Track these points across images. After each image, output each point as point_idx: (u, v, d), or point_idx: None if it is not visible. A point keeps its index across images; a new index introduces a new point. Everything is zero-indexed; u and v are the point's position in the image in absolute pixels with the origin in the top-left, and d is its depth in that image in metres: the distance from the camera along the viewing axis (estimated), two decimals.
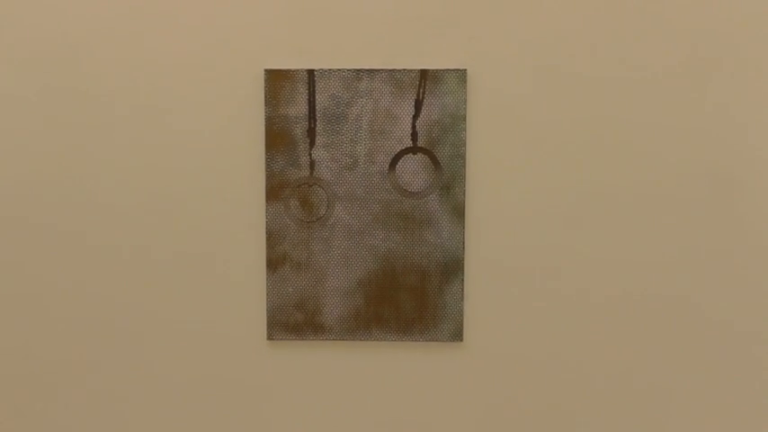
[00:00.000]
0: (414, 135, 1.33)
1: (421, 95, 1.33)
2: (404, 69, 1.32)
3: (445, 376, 1.39)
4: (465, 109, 1.32)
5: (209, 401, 1.41)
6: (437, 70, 1.32)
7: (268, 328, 1.38)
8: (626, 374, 1.38)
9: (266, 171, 1.34)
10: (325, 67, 1.34)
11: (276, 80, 1.33)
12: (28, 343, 1.40)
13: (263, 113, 1.35)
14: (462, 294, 1.36)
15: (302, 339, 1.38)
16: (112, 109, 1.35)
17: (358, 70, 1.33)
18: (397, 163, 1.34)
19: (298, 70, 1.33)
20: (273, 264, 1.36)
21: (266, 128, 1.34)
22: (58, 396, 1.41)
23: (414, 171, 1.34)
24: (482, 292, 1.37)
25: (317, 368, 1.40)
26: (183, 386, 1.41)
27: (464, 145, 1.33)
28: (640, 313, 1.37)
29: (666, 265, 1.36)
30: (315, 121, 1.34)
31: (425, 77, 1.32)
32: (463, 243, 1.35)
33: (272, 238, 1.36)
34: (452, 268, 1.35)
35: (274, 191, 1.35)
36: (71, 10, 1.33)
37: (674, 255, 1.36)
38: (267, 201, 1.35)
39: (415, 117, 1.33)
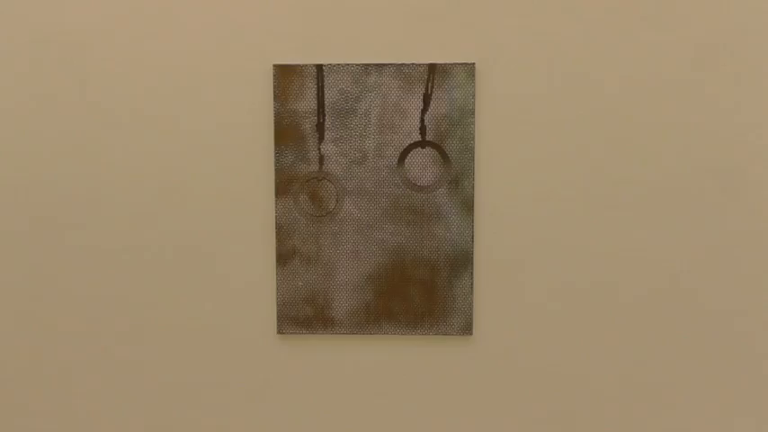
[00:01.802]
0: (422, 129, 1.34)
1: (429, 89, 1.33)
2: (412, 63, 1.32)
3: (455, 370, 1.39)
4: (473, 103, 1.33)
5: (221, 395, 1.42)
6: (445, 64, 1.32)
7: (278, 323, 1.38)
8: (634, 369, 1.38)
9: (275, 166, 1.35)
10: (334, 61, 1.34)
11: (285, 75, 1.34)
12: (46, 336, 1.42)
13: (272, 109, 1.35)
14: (472, 288, 1.36)
15: (312, 333, 1.38)
16: (121, 105, 1.36)
17: (366, 65, 1.33)
18: (405, 157, 1.34)
19: (306, 65, 1.33)
20: (283, 258, 1.37)
21: (275, 123, 1.34)
22: (74, 389, 1.43)
23: (423, 165, 1.34)
24: (492, 285, 1.37)
25: (327, 362, 1.40)
26: (194, 380, 1.42)
27: (473, 139, 1.33)
28: (649, 308, 1.37)
29: (675, 261, 1.36)
30: (324, 115, 1.34)
31: (434, 71, 1.32)
32: (472, 237, 1.35)
33: (282, 232, 1.36)
34: (462, 262, 1.36)
35: (284, 185, 1.35)
36: (82, 7, 1.34)
37: (683, 250, 1.35)
38: (276, 195, 1.36)
39: (424, 111, 1.33)
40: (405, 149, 1.34)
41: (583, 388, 1.39)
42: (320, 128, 1.34)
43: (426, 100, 1.33)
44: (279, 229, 1.36)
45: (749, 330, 1.36)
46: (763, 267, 1.35)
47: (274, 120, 1.34)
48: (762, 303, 1.35)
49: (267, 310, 1.39)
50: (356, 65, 1.33)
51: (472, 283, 1.36)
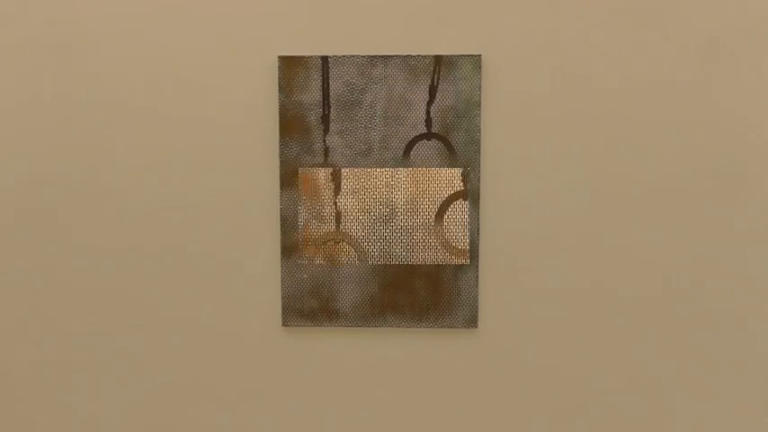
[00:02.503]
0: (428, 121, 1.33)
1: (435, 81, 1.32)
2: (418, 55, 1.32)
3: (460, 362, 1.39)
4: (479, 95, 1.32)
5: (225, 387, 1.41)
6: (451, 56, 1.31)
7: (283, 315, 1.38)
8: (637, 363, 1.38)
9: (280, 158, 1.34)
10: (339, 53, 1.34)
11: (290, 67, 1.33)
12: (51, 329, 1.42)
13: (277, 100, 1.35)
14: (477, 281, 1.35)
15: (317, 326, 1.38)
16: (124, 99, 1.35)
17: (372, 56, 1.32)
18: (411, 149, 1.33)
19: (311, 57, 1.33)
20: (288, 251, 1.36)
21: (280, 115, 1.34)
22: (80, 383, 1.43)
23: (428, 157, 1.33)
24: (497, 278, 1.37)
25: (331, 355, 1.40)
26: (199, 372, 1.41)
27: (479, 131, 1.33)
28: (652, 303, 1.36)
29: (679, 257, 1.35)
30: (329, 107, 1.34)
31: (440, 63, 1.32)
32: (478, 229, 1.35)
33: (287, 224, 1.36)
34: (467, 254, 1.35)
35: (288, 178, 1.35)
36: (88, 2, 1.34)
37: (688, 245, 1.35)
38: (281, 188, 1.35)
39: (430, 103, 1.33)
40: (410, 141, 1.33)
41: (586, 381, 1.39)
42: (325, 120, 1.34)
43: (432, 92, 1.32)
44: (284, 221, 1.36)
45: (759, 330, 1.36)
46: None
47: (279, 112, 1.34)
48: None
49: (272, 302, 1.39)
50: (362, 56, 1.32)
51: (477, 276, 1.35)
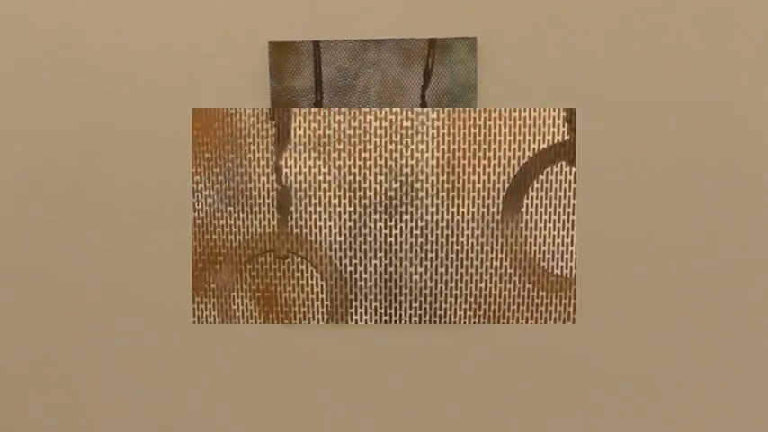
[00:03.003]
0: (423, 106, 1.30)
1: (430, 65, 1.30)
2: (412, 39, 1.29)
3: (461, 355, 1.37)
4: (475, 78, 1.29)
5: (226, 380, 1.40)
6: (446, 39, 1.29)
7: None
8: (639, 355, 1.35)
9: None
10: (331, 38, 1.31)
11: (281, 53, 1.30)
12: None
13: (269, 87, 1.32)
14: None
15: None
16: (113, 87, 1.33)
17: (365, 41, 1.30)
18: None
19: (303, 42, 1.30)
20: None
21: (272, 102, 1.31)
22: (83, 373, 1.40)
23: None
24: None
25: (332, 348, 1.38)
26: (200, 365, 1.39)
27: None
28: (655, 295, 1.34)
29: (681, 249, 1.33)
30: (321, 93, 1.31)
31: (434, 46, 1.29)
32: None
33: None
34: None
35: None
36: None
37: (685, 237, 1.33)
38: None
39: (425, 87, 1.30)
40: None
41: (589, 373, 1.37)
42: (318, 106, 1.31)
43: (427, 76, 1.30)
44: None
45: None
46: None
47: (271, 98, 1.31)
48: None
49: None
50: (354, 41, 1.30)
51: None
